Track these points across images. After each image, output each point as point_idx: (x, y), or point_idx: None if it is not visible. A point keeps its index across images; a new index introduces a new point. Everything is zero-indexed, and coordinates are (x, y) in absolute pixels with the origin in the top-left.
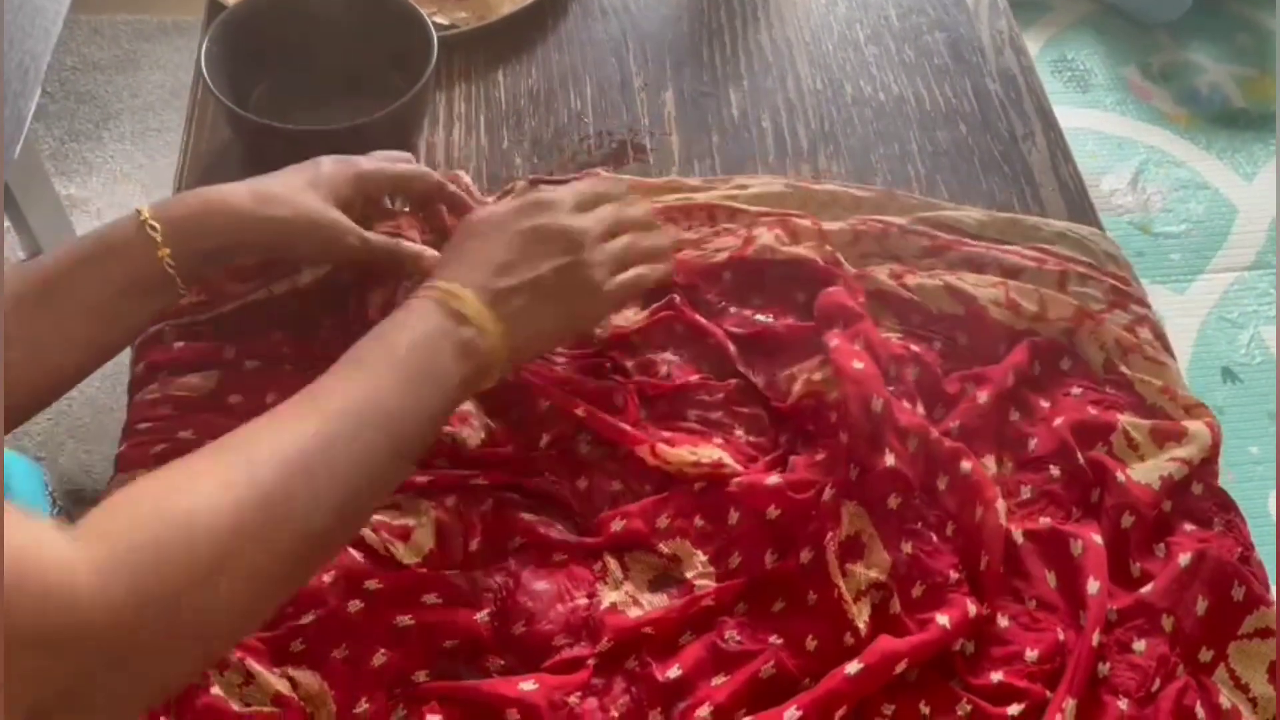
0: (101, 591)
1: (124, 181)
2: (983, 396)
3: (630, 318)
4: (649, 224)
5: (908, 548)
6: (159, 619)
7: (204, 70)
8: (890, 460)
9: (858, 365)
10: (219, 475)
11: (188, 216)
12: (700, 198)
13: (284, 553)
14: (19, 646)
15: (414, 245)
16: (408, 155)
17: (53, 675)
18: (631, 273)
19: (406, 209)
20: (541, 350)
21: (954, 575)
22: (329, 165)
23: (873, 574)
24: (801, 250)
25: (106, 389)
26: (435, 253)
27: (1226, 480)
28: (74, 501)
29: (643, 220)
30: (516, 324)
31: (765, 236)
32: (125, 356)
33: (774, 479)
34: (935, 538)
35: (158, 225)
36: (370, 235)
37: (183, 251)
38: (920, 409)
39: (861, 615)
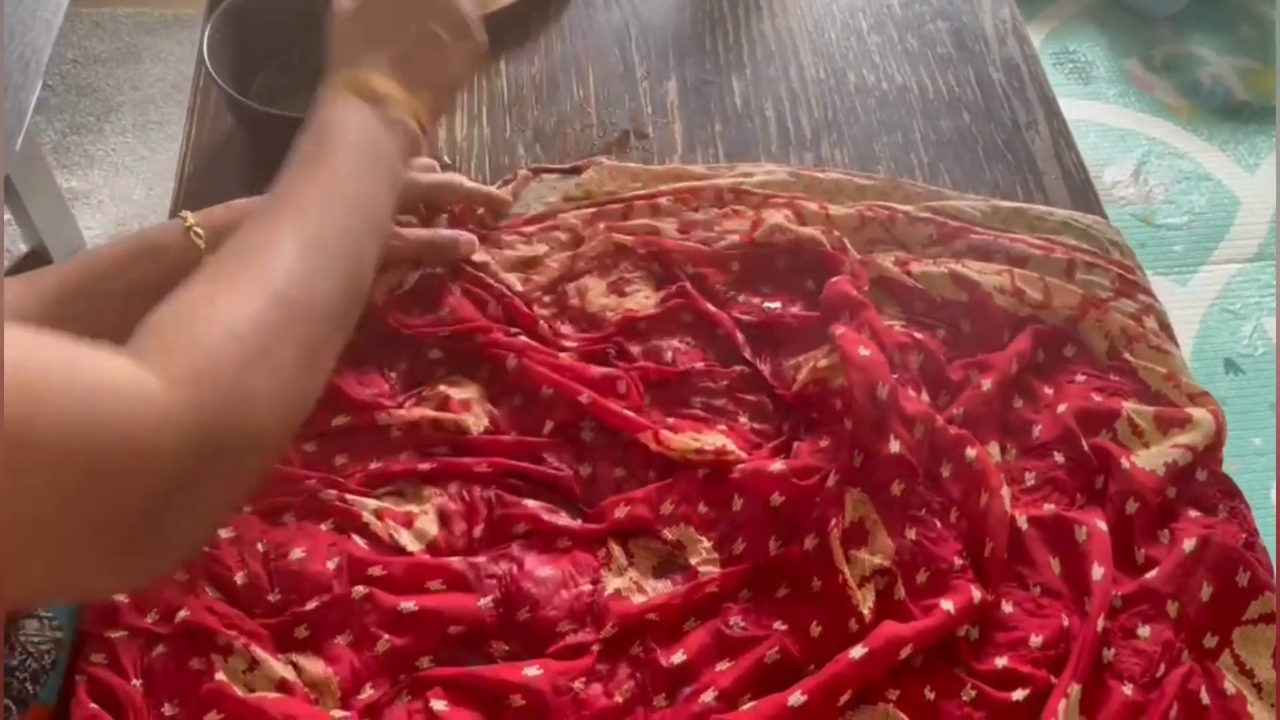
0: (170, 403)
1: (125, 174)
2: (987, 384)
3: (641, 302)
4: None
5: (912, 534)
6: (225, 416)
7: (206, 59)
8: (895, 447)
9: (864, 352)
10: (240, 283)
11: (230, 224)
12: (705, 184)
13: (307, 338)
14: (106, 475)
15: (449, 232)
16: (432, 163)
17: (147, 483)
18: (766, 219)
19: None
20: (454, 90)
21: (958, 561)
22: None
23: (877, 560)
24: (810, 231)
25: None
26: (471, 236)
27: (1229, 471)
28: None
29: None
30: (420, 82)
31: (775, 217)
32: None
33: (778, 465)
34: (939, 524)
35: (202, 231)
36: (405, 231)
37: None
38: (925, 396)
39: (866, 601)
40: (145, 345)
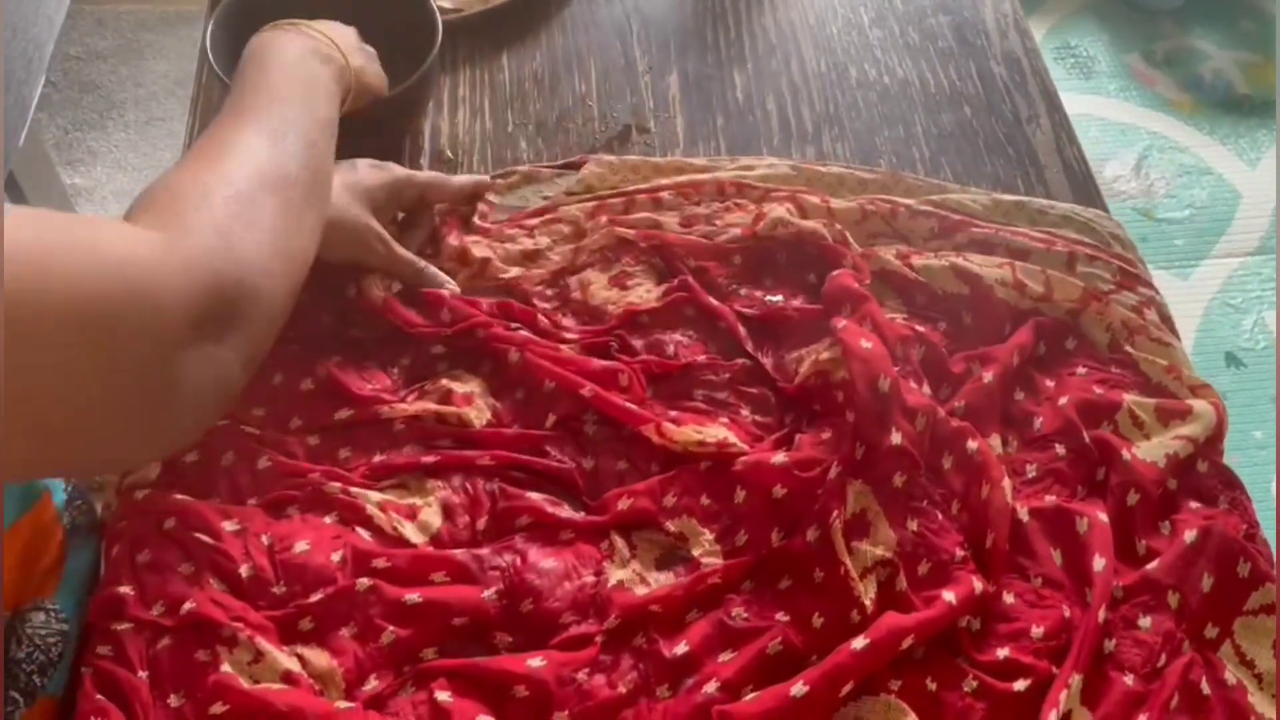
0: (169, 251)
1: (128, 171)
2: (988, 376)
3: (643, 296)
4: None
5: (913, 525)
6: (227, 265)
7: (209, 54)
8: (896, 439)
9: (865, 344)
10: (218, 162)
11: None
12: (707, 177)
13: (284, 204)
14: (129, 313)
15: (438, 272)
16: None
17: (164, 330)
18: (767, 213)
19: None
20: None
21: (960, 553)
22: (366, 168)
23: (879, 551)
24: (812, 224)
25: None
26: (455, 285)
27: (1230, 465)
28: (91, 488)
29: None
30: (360, 61)
31: (777, 210)
32: None
33: (780, 458)
34: (941, 516)
35: None
36: (397, 246)
37: None
38: (926, 389)
39: (868, 592)
40: (139, 215)
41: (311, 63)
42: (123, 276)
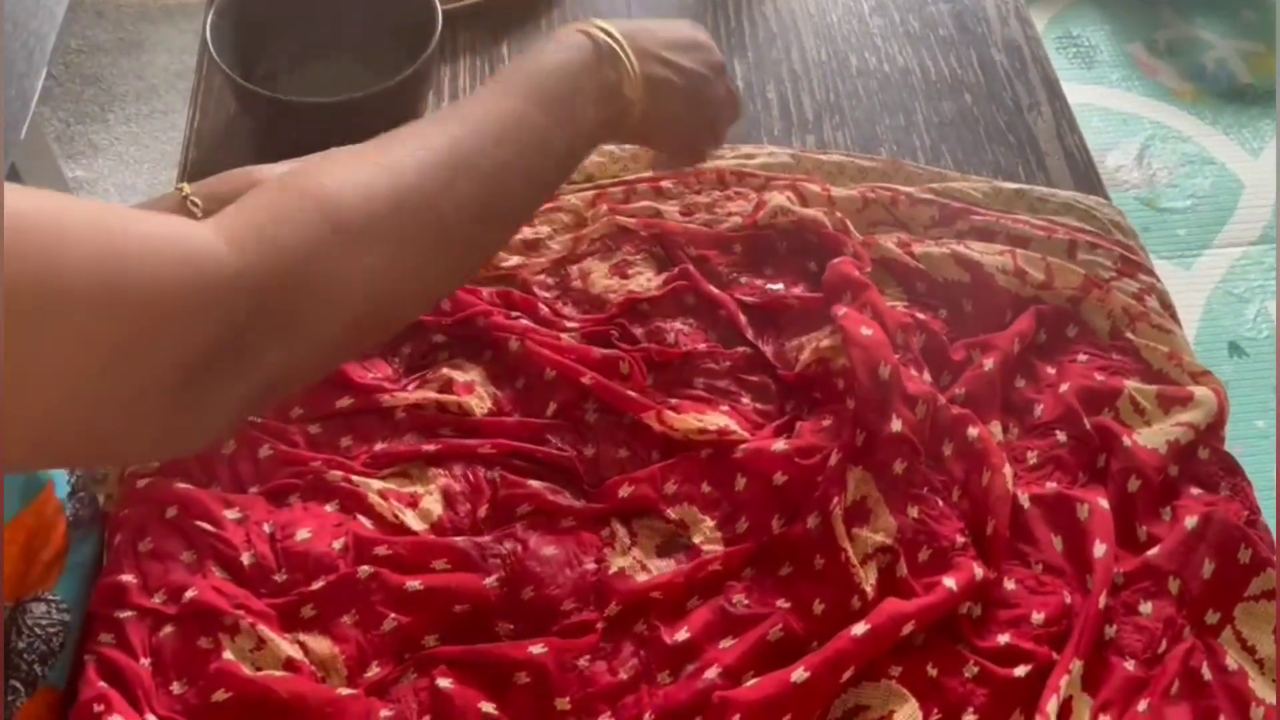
0: (232, 252)
1: (130, 163)
2: (988, 364)
3: (644, 285)
4: None
5: (914, 512)
6: (290, 278)
7: (209, 44)
8: (897, 426)
9: (866, 332)
10: (358, 163)
11: (229, 194)
12: (708, 166)
13: (416, 239)
14: (159, 313)
15: None
16: None
17: (194, 336)
18: (768, 201)
19: None
20: (663, 137)
21: (960, 539)
22: None
23: (879, 538)
24: (812, 212)
25: None
26: None
27: (1232, 453)
28: (94, 481)
29: None
30: (656, 90)
31: (777, 199)
32: None
33: (780, 445)
34: (941, 503)
35: (199, 201)
36: None
37: None
38: (927, 376)
39: (868, 579)
40: (241, 202)
41: (579, 78)
42: (166, 276)
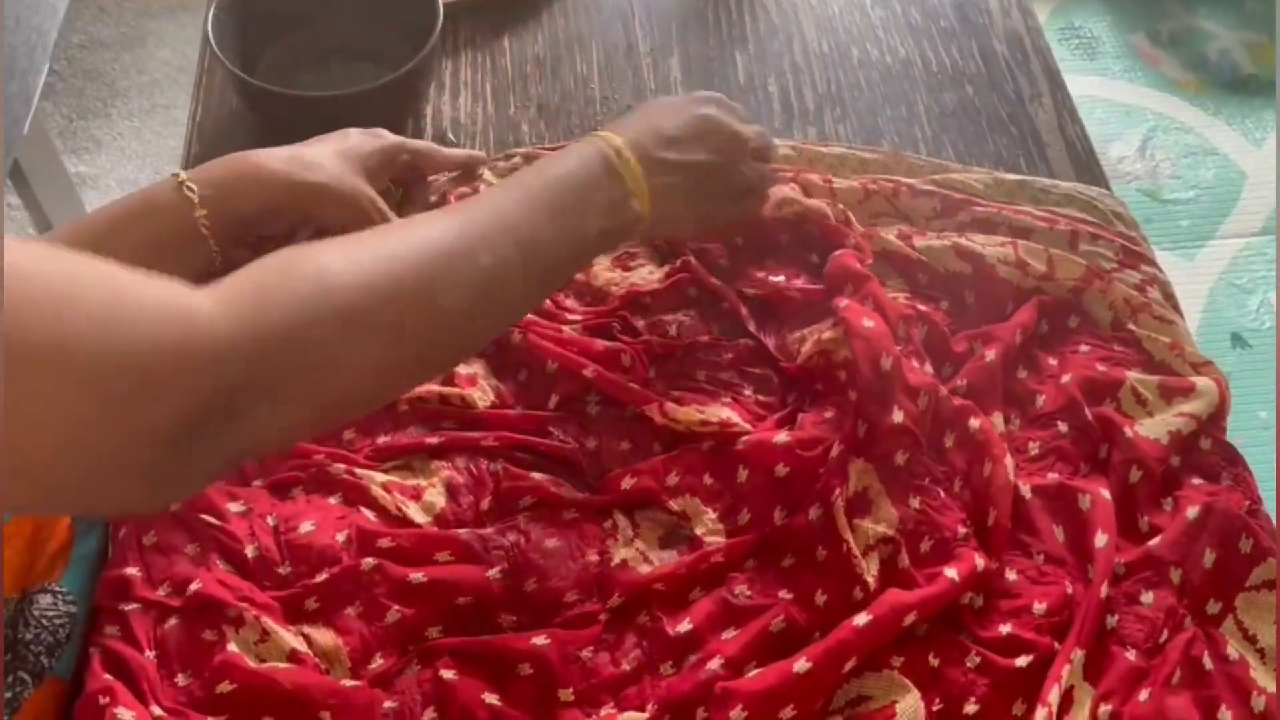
0: (227, 321)
1: (133, 158)
2: (990, 355)
3: (646, 277)
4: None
5: (915, 503)
6: (282, 352)
7: (211, 37)
8: (898, 417)
9: (868, 323)
10: (359, 250)
11: (225, 178)
12: None
13: (411, 329)
14: (155, 373)
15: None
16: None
17: (185, 398)
18: (773, 194)
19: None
20: (675, 231)
21: (962, 530)
22: (358, 136)
23: (880, 529)
24: (816, 203)
25: None
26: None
27: (1235, 444)
28: None
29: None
30: (663, 197)
31: (781, 190)
32: None
33: (782, 437)
34: (943, 493)
35: (195, 187)
36: (391, 213)
37: (219, 212)
38: (928, 368)
39: (870, 570)
40: (236, 277)
41: (586, 186)
42: (163, 337)
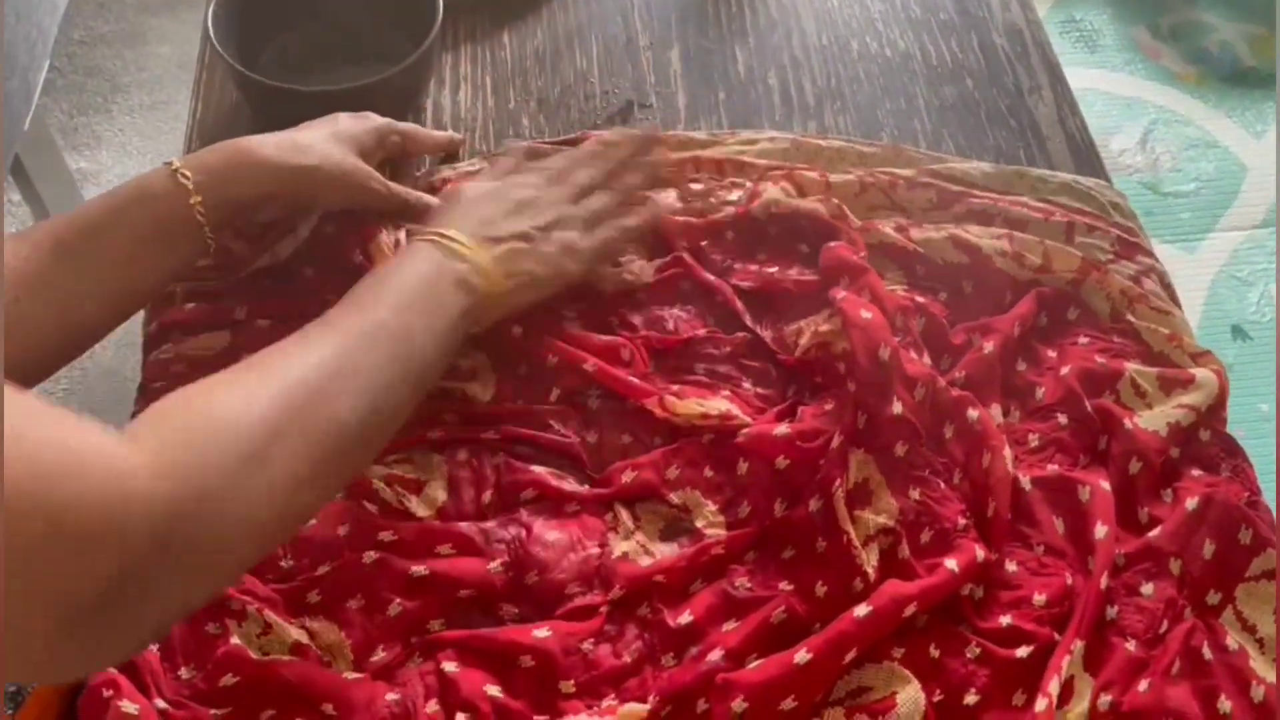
0: (150, 485)
1: (134, 154)
2: (989, 346)
3: (635, 273)
4: (641, 170)
5: (915, 494)
6: (205, 511)
7: (211, 36)
8: (897, 408)
9: (865, 314)
10: (253, 384)
11: (218, 165)
12: (707, 154)
13: (315, 452)
14: (68, 540)
15: (431, 198)
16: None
17: (99, 569)
18: (604, 229)
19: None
20: (537, 296)
21: (962, 521)
22: (347, 119)
23: (881, 519)
24: (807, 204)
25: (120, 358)
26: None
27: (1235, 437)
28: None
29: (633, 168)
30: (507, 264)
31: (771, 191)
32: (138, 324)
33: (782, 429)
34: (943, 485)
35: (189, 174)
36: (391, 184)
37: (213, 199)
38: (926, 359)
39: (870, 561)
40: (141, 427)
41: (433, 282)
42: (88, 492)
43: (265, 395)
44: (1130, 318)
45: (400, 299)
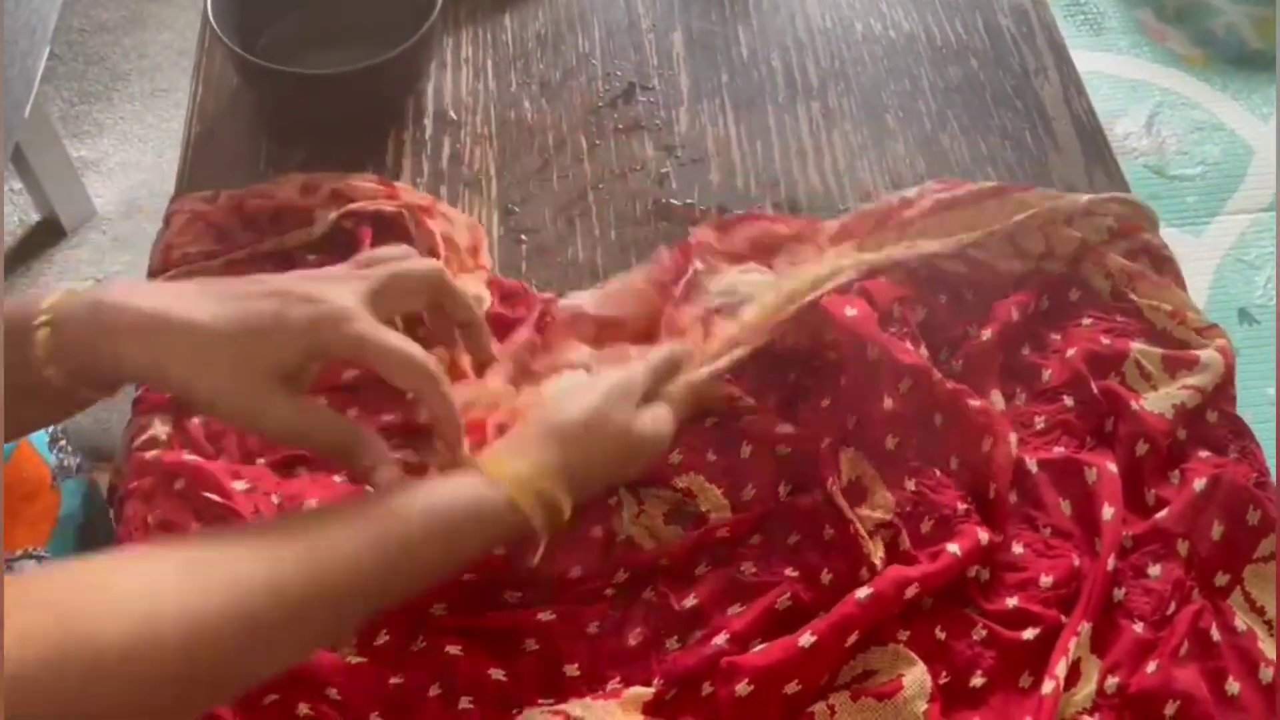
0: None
1: (134, 142)
2: (986, 334)
3: None
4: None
5: (911, 485)
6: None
7: (211, 23)
8: (888, 403)
9: (850, 311)
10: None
11: (85, 319)
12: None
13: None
14: None
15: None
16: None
17: None
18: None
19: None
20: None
21: (961, 506)
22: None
23: (878, 515)
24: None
25: None
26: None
27: (1241, 417)
28: (93, 458)
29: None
30: (560, 507)
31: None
32: None
33: (783, 428)
34: (939, 473)
35: (48, 318)
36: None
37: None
38: (923, 350)
39: (877, 551)
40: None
41: (459, 521)
42: None
43: (149, 609)
44: (1132, 296)
45: (406, 532)
